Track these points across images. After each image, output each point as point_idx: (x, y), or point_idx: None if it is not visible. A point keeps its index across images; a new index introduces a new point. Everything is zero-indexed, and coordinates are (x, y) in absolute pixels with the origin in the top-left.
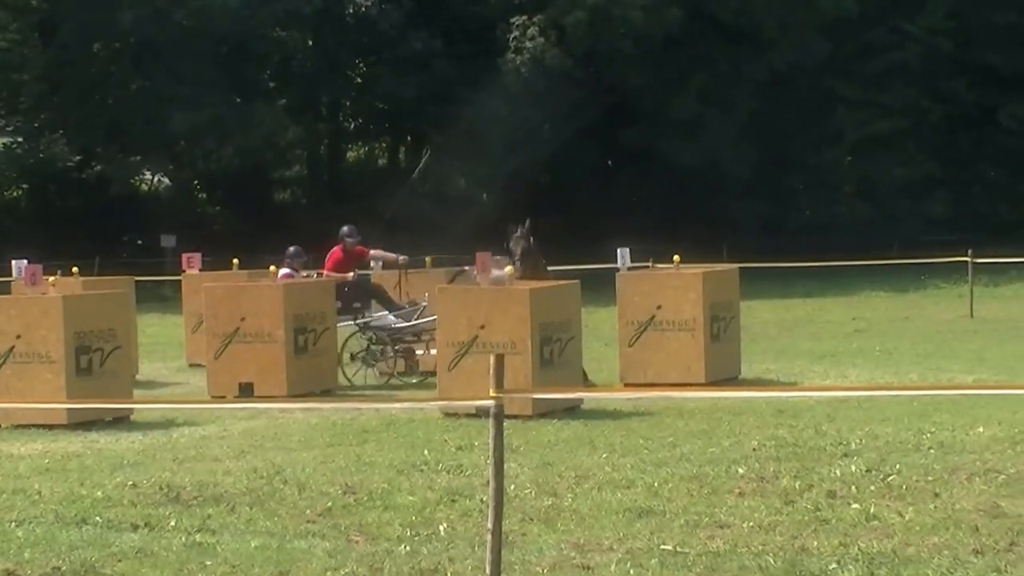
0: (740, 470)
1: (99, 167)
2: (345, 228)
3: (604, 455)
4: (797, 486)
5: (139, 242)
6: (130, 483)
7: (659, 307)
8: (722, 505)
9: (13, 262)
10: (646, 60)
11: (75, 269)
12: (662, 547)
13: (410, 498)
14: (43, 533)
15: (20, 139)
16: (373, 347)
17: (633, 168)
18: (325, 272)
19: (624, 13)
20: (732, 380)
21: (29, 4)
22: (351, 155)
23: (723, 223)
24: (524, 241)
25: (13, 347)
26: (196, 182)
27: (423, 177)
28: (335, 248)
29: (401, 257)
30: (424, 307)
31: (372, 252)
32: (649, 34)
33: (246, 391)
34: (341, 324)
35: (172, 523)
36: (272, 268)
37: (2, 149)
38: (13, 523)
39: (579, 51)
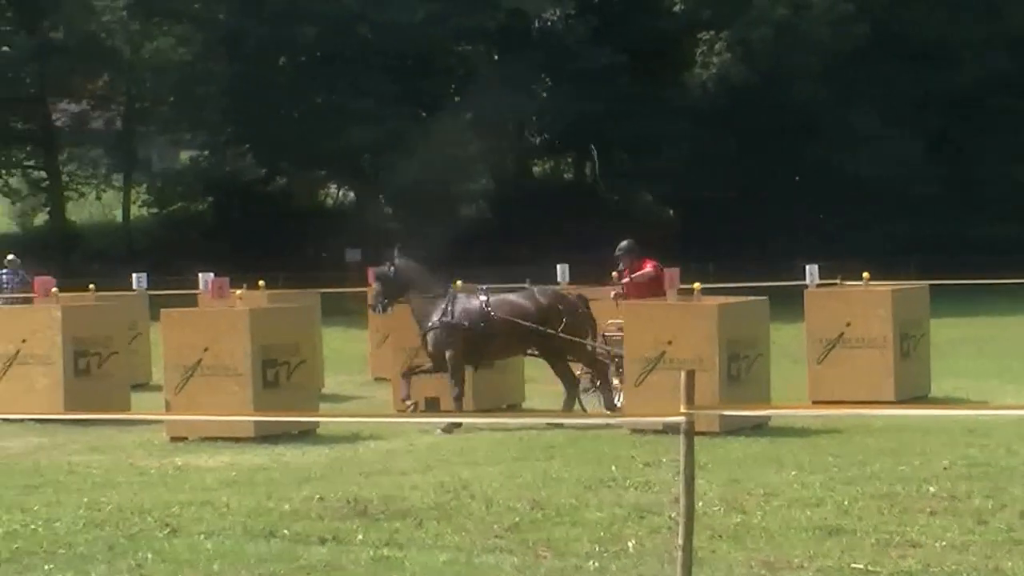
0: (931, 489)
1: (284, 181)
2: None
3: (792, 473)
4: (990, 506)
5: (323, 255)
6: (317, 496)
7: (848, 324)
8: (913, 524)
9: (200, 275)
10: (831, 76)
11: (261, 283)
12: (853, 566)
13: (598, 514)
14: (232, 546)
15: (205, 152)
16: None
17: (819, 184)
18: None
19: (811, 28)
20: (922, 398)
21: (215, 18)
22: (537, 170)
23: (910, 240)
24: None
25: (200, 360)
26: (381, 196)
27: (608, 193)
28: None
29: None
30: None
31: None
32: (835, 50)
33: (432, 405)
34: None
35: (359, 537)
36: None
37: (188, 163)
38: (202, 535)
39: (764, 66)
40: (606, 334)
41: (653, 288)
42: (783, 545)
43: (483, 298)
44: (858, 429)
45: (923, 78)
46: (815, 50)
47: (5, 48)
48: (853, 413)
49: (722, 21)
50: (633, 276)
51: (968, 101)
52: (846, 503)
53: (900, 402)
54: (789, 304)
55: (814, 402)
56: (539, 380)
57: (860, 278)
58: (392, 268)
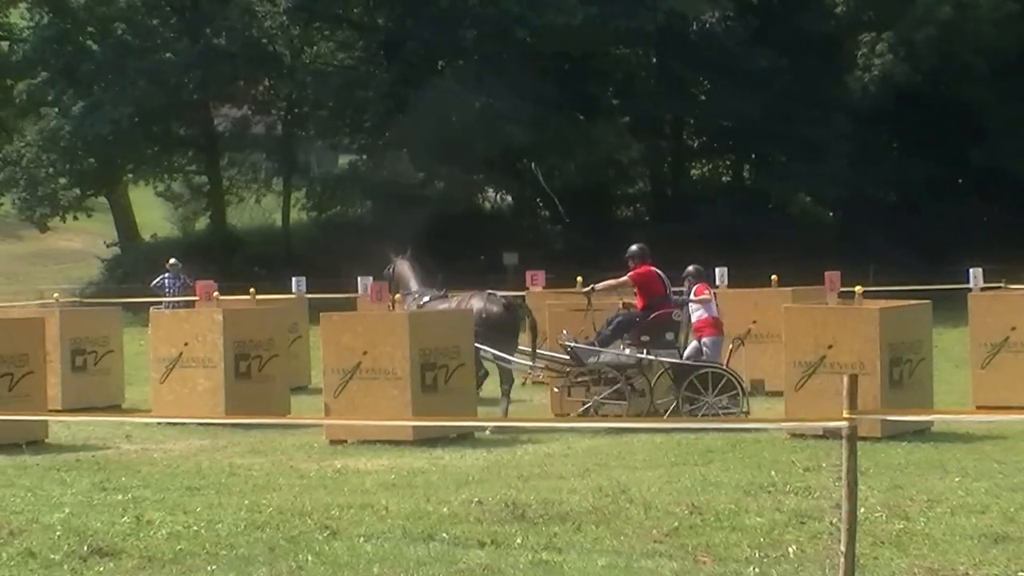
0: None
1: (442, 184)
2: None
3: (956, 479)
4: None
5: (481, 258)
6: (475, 500)
7: (1013, 328)
8: None
9: (359, 279)
10: (997, 76)
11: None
12: (1019, 574)
13: (758, 519)
14: (390, 548)
15: (364, 156)
16: None
17: (984, 187)
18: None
19: (976, 28)
20: None
21: (375, 23)
22: (695, 172)
23: None
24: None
25: (360, 363)
26: (538, 199)
27: (767, 194)
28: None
29: None
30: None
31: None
32: (1001, 49)
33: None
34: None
35: (518, 541)
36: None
37: (346, 167)
38: (361, 538)
39: (927, 67)
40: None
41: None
42: (947, 552)
43: (425, 300)
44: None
45: None
46: (981, 50)
47: (169, 55)
48: (1019, 419)
49: (884, 22)
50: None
51: None
52: (1012, 510)
53: None
54: (952, 307)
55: (978, 407)
56: None
57: None
58: (391, 270)
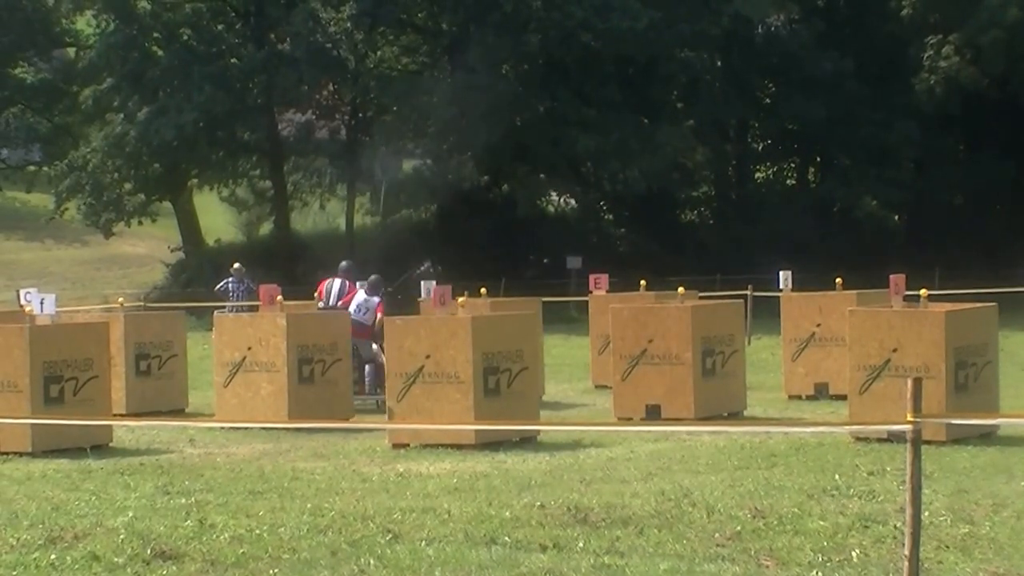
0: None
1: (506, 188)
2: (344, 263)
3: (1022, 483)
4: None
5: (544, 261)
6: (538, 504)
7: None
8: None
9: (422, 283)
10: None
11: (483, 290)
12: None
13: (821, 523)
14: (453, 552)
15: (428, 161)
16: None
17: None
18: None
19: None
20: None
21: (439, 27)
22: (759, 176)
23: None
24: None
25: (423, 367)
26: (602, 203)
27: (832, 199)
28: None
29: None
30: None
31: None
32: None
33: (653, 413)
34: None
35: (580, 544)
36: (681, 289)
37: (411, 171)
38: (423, 541)
39: (995, 70)
40: None
41: None
42: (1013, 557)
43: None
44: None
45: None
46: None
47: (234, 60)
48: None
49: (951, 24)
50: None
51: None
52: None
53: None
54: (1019, 311)
55: None
56: (760, 388)
57: None
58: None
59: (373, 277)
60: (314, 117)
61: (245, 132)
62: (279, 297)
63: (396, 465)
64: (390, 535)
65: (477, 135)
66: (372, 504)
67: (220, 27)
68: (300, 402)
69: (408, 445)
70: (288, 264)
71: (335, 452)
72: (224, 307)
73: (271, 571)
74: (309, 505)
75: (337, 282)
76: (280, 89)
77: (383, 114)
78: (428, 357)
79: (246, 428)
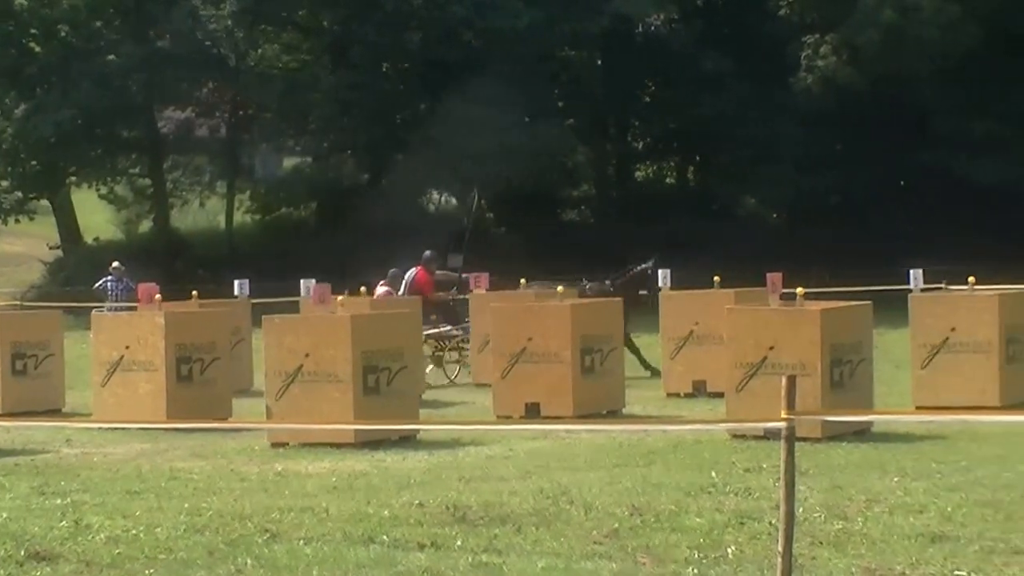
0: None
1: (387, 186)
2: (427, 253)
3: (895, 479)
4: None
5: None
6: (416, 502)
7: (953, 329)
8: (1018, 531)
9: (302, 281)
10: (942, 79)
11: (363, 289)
12: (956, 573)
13: (698, 520)
14: (331, 551)
15: (309, 159)
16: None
17: (928, 188)
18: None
19: (919, 32)
20: None
21: (320, 25)
22: (640, 175)
23: (1020, 244)
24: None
25: (302, 366)
26: (483, 202)
27: (712, 197)
28: (418, 270)
29: (461, 274)
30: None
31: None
32: (945, 52)
33: (532, 411)
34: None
35: (458, 543)
36: (560, 288)
37: (292, 169)
38: (301, 540)
39: (872, 70)
40: None
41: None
42: (885, 552)
43: None
44: (962, 435)
45: None
46: (924, 53)
47: (112, 57)
48: (957, 419)
49: (828, 24)
50: None
51: None
52: (949, 510)
53: (1006, 407)
54: (894, 309)
55: (918, 408)
56: (639, 386)
57: (966, 283)
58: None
59: (427, 253)
60: (194, 115)
61: (124, 129)
62: (158, 296)
63: (275, 464)
64: (268, 534)
65: (358, 133)
66: (250, 503)
67: (99, 24)
68: (178, 401)
69: (287, 444)
70: (168, 262)
71: (213, 452)
72: (103, 306)
73: (147, 572)
74: (186, 505)
75: (412, 271)
76: (160, 86)
77: (264, 112)
78: (307, 356)
79: (124, 428)
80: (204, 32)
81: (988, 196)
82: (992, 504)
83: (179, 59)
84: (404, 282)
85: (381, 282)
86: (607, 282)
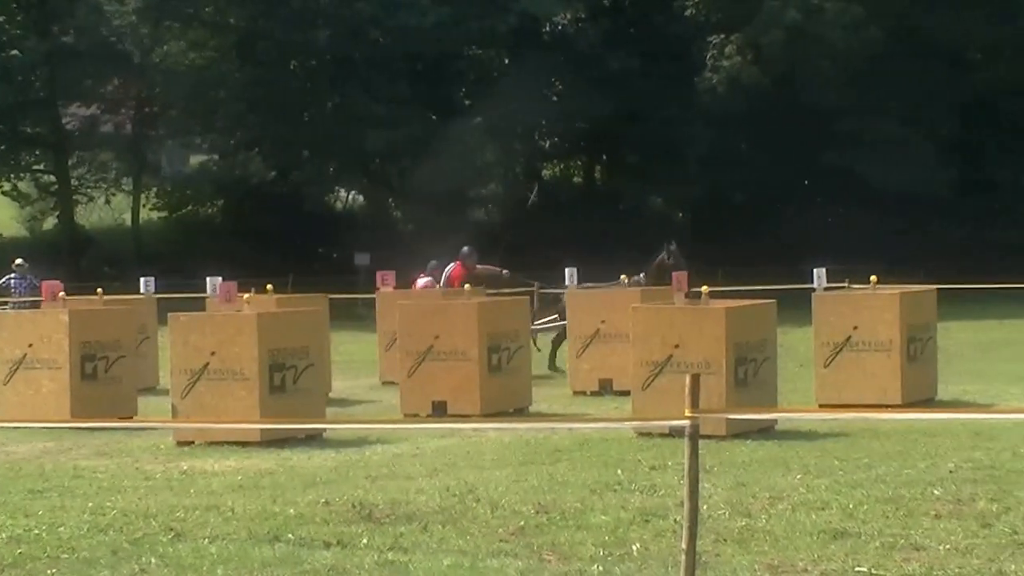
0: (936, 492)
1: (294, 184)
2: (465, 248)
3: (798, 476)
4: (994, 509)
5: (334, 255)
6: (323, 501)
7: (855, 328)
8: (918, 527)
9: (208, 279)
10: (845, 79)
11: (269, 287)
12: (857, 569)
13: (603, 518)
14: (236, 550)
15: (216, 156)
16: None
17: (830, 188)
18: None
19: (823, 32)
20: (928, 401)
21: (227, 23)
22: (547, 173)
23: (922, 244)
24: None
25: (208, 364)
26: (391, 200)
27: (619, 196)
28: (455, 265)
29: (504, 271)
30: None
31: (479, 267)
32: (849, 53)
33: (439, 410)
34: None
35: (364, 541)
36: (467, 286)
37: (198, 167)
38: (206, 539)
39: (777, 70)
40: None
41: None
42: (788, 548)
43: None
44: (864, 432)
45: (939, 82)
46: (828, 54)
47: (16, 52)
48: (860, 417)
49: (733, 24)
50: None
51: (983, 105)
52: (851, 506)
53: (907, 405)
54: (798, 307)
55: (821, 405)
56: (546, 384)
57: (868, 282)
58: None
59: (464, 248)
60: (99, 111)
61: (28, 125)
62: (62, 293)
63: (180, 463)
64: (172, 533)
65: (265, 130)
66: (155, 502)
67: (1, 18)
68: (83, 400)
69: (193, 442)
70: (73, 260)
71: (119, 450)
72: (6, 304)
73: (49, 571)
74: (90, 504)
75: (451, 265)
76: (64, 82)
77: (170, 109)
78: (213, 354)
79: (27, 427)
80: (109, 28)
81: (890, 196)
82: (893, 501)
83: (84, 55)
84: (444, 275)
85: (422, 273)
86: (641, 275)
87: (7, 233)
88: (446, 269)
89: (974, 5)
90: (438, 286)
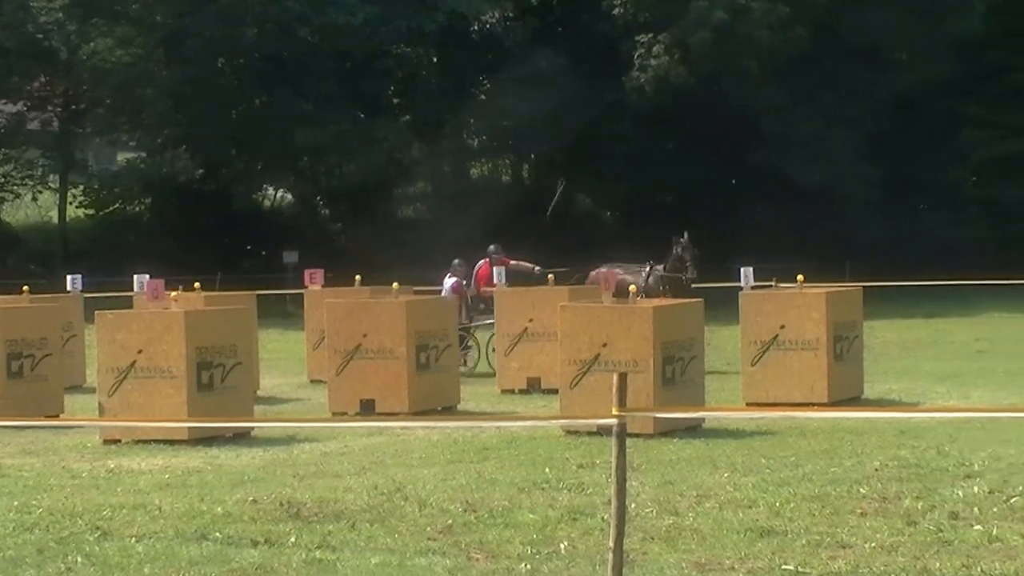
0: (862, 490)
1: (222, 182)
2: (492, 247)
3: (726, 474)
4: (919, 507)
5: (263, 253)
6: (250, 499)
7: (782, 327)
8: (844, 525)
9: (135, 277)
10: (771, 79)
11: (197, 284)
12: (783, 567)
13: (531, 516)
14: (163, 549)
15: (143, 154)
16: None
17: (757, 187)
18: (482, 287)
19: (749, 32)
20: (855, 400)
21: (154, 20)
22: (475, 172)
23: (846, 243)
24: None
25: (135, 362)
26: (319, 198)
27: (547, 194)
28: (483, 263)
29: (536, 267)
30: None
31: (511, 263)
32: (775, 53)
33: (367, 408)
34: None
35: (292, 539)
36: (395, 285)
37: (125, 164)
38: (133, 538)
39: (704, 70)
40: None
41: None
42: (715, 546)
43: None
44: (791, 431)
45: (863, 81)
46: (755, 54)
47: None
48: (787, 415)
49: (660, 24)
50: None
51: (907, 104)
52: (778, 504)
53: (833, 404)
54: (725, 306)
55: (748, 404)
56: (474, 382)
57: (795, 281)
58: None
59: (491, 247)
60: (25, 108)
61: None
62: None
63: (107, 461)
64: (99, 532)
65: (193, 128)
66: (81, 501)
67: None
68: (8, 398)
69: (120, 441)
70: None
71: (45, 449)
72: None
73: None
74: (16, 503)
75: (480, 263)
76: None
77: (97, 106)
78: (140, 352)
79: None
80: (35, 24)
81: (815, 195)
82: (819, 499)
83: (10, 51)
84: (472, 274)
85: (448, 273)
86: (661, 267)
87: None
88: (476, 267)
89: (897, 5)
90: (464, 283)
